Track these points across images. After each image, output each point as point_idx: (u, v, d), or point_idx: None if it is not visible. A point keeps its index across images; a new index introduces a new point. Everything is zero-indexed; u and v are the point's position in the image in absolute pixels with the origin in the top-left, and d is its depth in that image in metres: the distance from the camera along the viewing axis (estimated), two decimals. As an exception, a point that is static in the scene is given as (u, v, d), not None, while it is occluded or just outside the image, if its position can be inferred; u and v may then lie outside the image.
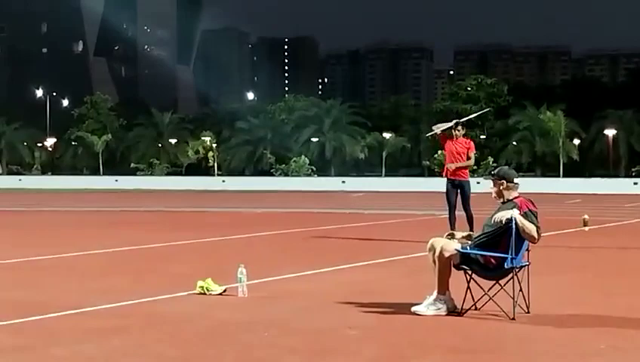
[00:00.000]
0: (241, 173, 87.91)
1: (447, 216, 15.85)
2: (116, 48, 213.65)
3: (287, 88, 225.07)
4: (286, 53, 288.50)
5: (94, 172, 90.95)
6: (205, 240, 16.90)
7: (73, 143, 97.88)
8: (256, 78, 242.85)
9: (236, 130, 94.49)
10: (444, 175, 16.17)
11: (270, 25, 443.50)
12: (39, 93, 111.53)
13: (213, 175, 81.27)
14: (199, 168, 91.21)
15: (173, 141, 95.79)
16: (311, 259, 13.60)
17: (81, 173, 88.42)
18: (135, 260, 13.90)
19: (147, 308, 9.08)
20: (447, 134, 15.82)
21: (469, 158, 15.67)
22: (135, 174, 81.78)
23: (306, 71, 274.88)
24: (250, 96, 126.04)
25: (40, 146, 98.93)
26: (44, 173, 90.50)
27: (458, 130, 15.73)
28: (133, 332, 7.82)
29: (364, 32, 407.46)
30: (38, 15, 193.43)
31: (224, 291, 9.76)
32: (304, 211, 29.02)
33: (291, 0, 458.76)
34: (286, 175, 75.49)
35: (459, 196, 15.69)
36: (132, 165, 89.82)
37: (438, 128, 16.02)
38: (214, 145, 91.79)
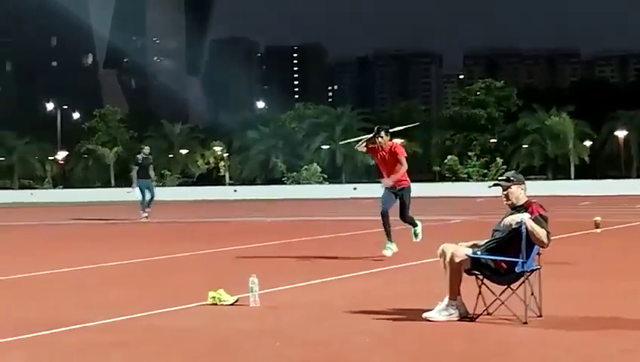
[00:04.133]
0: (253, 182, 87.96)
1: (382, 224, 14.84)
2: (126, 60, 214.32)
3: (297, 96, 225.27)
4: (295, 62, 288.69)
5: (106, 184, 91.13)
6: (217, 251, 16.89)
7: (84, 156, 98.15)
8: (265, 87, 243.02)
9: (247, 139, 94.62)
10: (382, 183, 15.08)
11: (278, 34, 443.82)
12: (50, 106, 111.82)
13: (225, 184, 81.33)
14: (210, 178, 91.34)
15: (184, 152, 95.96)
16: (322, 267, 13.58)
17: (92, 186, 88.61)
18: (146, 272, 13.89)
19: (158, 320, 9.07)
20: (371, 143, 14.82)
21: (400, 164, 14.54)
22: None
23: (316, 78, 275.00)
24: (261, 105, 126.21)
25: (51, 160, 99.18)
26: (55, 186, 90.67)
27: (381, 137, 14.62)
28: (144, 344, 7.82)
29: (372, 39, 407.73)
30: (48, 29, 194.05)
31: (236, 301, 9.75)
32: (316, 219, 28.99)
33: (299, 8, 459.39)
34: (297, 183, 75.51)
35: (397, 203, 14.83)
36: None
37: (362, 142, 15.00)
38: (225, 155, 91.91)
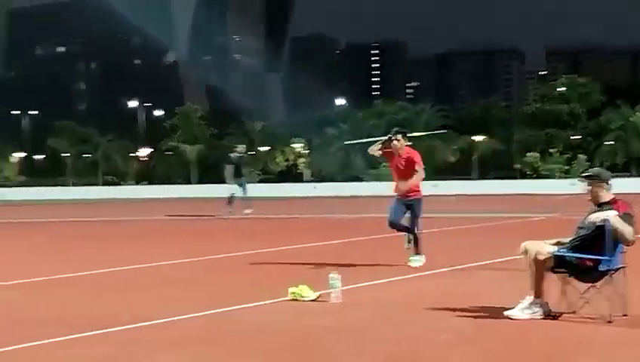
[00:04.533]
0: (333, 179, 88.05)
1: (400, 231, 13.77)
2: (207, 58, 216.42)
3: (376, 93, 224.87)
4: (374, 58, 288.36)
5: (188, 181, 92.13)
6: (298, 247, 16.97)
7: (166, 153, 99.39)
8: (345, 84, 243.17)
9: (326, 136, 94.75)
10: (393, 191, 13.73)
11: (358, 31, 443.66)
12: (132, 104, 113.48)
13: (305, 181, 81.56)
14: (290, 175, 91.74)
15: (264, 149, 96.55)
16: (401, 264, 13.53)
17: (174, 183, 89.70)
18: (226, 268, 14.01)
19: (239, 315, 9.16)
20: (387, 146, 13.48)
21: (416, 173, 13.22)
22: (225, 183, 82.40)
23: (395, 75, 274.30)
24: (340, 101, 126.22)
25: (134, 156, 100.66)
26: (138, 182, 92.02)
27: (397, 140, 13.25)
28: (225, 340, 7.90)
29: (453, 35, 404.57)
30: (131, 27, 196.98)
31: (318, 297, 9.79)
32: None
33: (378, 5, 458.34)
34: (377, 180, 75.36)
35: (407, 215, 13.57)
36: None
37: (376, 146, 13.65)
38: (305, 152, 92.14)
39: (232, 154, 29.46)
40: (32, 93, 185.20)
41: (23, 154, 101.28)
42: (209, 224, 27.33)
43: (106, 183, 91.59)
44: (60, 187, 76.44)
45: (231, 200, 28.99)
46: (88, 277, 12.92)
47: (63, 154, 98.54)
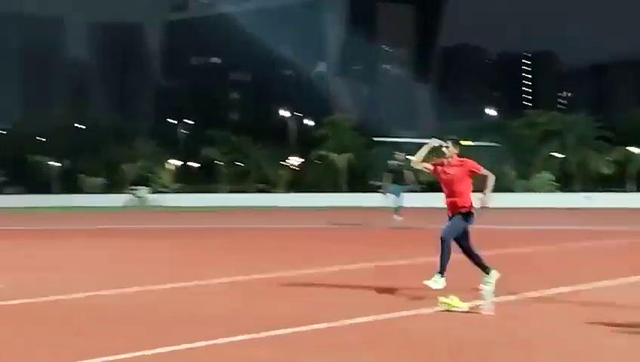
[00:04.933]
0: (480, 190, 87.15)
1: (440, 257, 11.39)
2: (356, 68, 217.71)
3: (527, 103, 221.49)
4: (526, 68, 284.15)
5: (337, 189, 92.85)
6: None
7: (316, 162, 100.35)
8: (495, 94, 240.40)
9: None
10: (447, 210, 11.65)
11: (508, 40, 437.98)
12: (283, 113, 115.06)
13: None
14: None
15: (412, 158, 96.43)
16: (556, 276, 13.35)
17: (324, 191, 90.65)
18: (375, 276, 14.09)
19: (392, 323, 9.24)
20: (436, 157, 11.75)
21: (483, 176, 11.51)
22: (375, 191, 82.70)
23: (547, 85, 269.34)
24: (490, 112, 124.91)
25: (284, 165, 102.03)
26: (288, 190, 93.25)
27: (447, 148, 11.54)
28: (382, 347, 7.99)
29: (607, 44, 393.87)
30: (282, 38, 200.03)
31: (470, 308, 9.78)
32: (547, 228, 28.47)
33: (529, 14, 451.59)
34: (528, 191, 74.25)
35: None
36: (371, 182, 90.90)
37: (424, 151, 11.93)
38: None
39: (390, 162, 29.31)
40: (188, 102, 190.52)
41: (178, 162, 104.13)
42: (367, 232, 27.59)
43: (257, 191, 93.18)
44: (213, 194, 78.42)
45: (397, 209, 28.81)
46: (251, 282, 13.22)
47: (215, 162, 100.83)
